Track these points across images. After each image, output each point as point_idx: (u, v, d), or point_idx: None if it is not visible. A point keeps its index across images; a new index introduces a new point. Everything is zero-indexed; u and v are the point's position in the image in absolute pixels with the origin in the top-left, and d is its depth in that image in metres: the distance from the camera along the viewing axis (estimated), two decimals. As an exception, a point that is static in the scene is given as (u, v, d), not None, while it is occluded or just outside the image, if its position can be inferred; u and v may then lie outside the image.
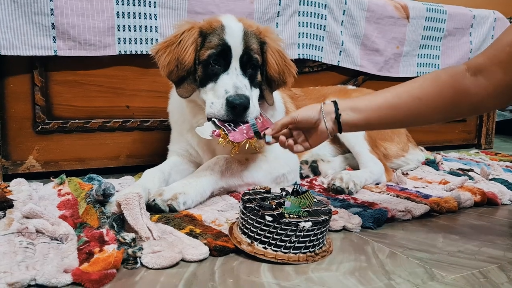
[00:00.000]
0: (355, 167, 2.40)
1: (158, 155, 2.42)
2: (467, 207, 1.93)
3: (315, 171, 2.35)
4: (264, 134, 1.67)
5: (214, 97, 1.79)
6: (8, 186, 1.94)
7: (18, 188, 1.90)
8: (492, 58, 1.37)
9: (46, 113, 2.22)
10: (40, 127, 2.21)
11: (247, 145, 1.68)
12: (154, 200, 1.66)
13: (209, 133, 1.67)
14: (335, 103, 1.56)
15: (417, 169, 2.63)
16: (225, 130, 1.67)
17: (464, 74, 1.42)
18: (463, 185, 2.12)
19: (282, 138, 1.63)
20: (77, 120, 2.29)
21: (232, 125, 1.72)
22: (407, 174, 2.48)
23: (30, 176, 2.20)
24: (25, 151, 2.21)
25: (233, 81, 1.79)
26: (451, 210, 1.84)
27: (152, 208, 1.65)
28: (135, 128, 2.44)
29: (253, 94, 1.88)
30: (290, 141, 1.64)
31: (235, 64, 1.84)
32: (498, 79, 1.36)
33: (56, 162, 2.28)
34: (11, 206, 1.65)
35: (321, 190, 2.08)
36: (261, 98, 1.97)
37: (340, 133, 1.57)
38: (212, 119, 1.74)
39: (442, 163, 2.77)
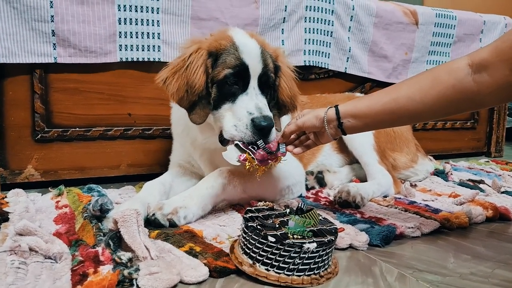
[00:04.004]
0: (362, 178, 2.33)
1: (160, 164, 2.37)
2: (479, 222, 1.86)
3: (321, 182, 2.29)
4: (278, 144, 1.71)
5: (234, 119, 1.69)
6: (5, 197, 1.89)
7: (16, 199, 1.85)
8: (500, 55, 1.30)
9: (46, 121, 2.17)
10: (40, 135, 2.16)
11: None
12: (154, 214, 1.61)
13: (236, 158, 1.62)
14: (336, 110, 1.62)
15: (426, 180, 2.56)
16: (251, 153, 1.62)
17: (466, 71, 1.36)
18: (474, 199, 2.05)
19: (296, 150, 1.76)
20: (77, 128, 2.24)
21: (256, 147, 1.66)
22: (415, 185, 2.40)
23: (29, 186, 2.15)
24: (24, 160, 2.16)
25: (254, 101, 1.71)
26: (462, 226, 1.77)
27: (152, 222, 1.60)
28: (136, 136, 2.39)
29: None
30: (299, 149, 1.77)
31: (253, 84, 1.75)
32: (503, 77, 1.30)
33: (56, 171, 2.23)
34: (7, 219, 1.61)
35: (327, 203, 2.02)
36: None
37: (345, 135, 1.66)
38: (235, 142, 1.66)
39: (451, 174, 2.70)
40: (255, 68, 1.75)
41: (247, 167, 1.61)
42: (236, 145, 1.65)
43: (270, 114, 1.71)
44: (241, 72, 1.73)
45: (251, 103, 1.70)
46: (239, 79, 1.74)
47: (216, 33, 1.89)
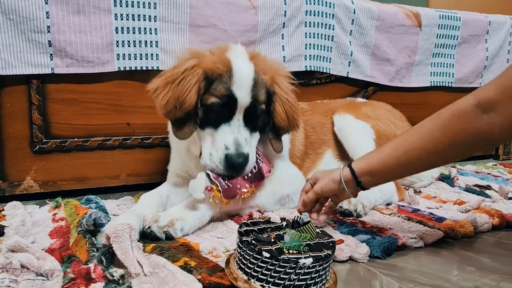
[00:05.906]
0: (364, 185, 2.28)
1: (160, 173, 2.35)
2: (484, 231, 1.81)
3: (323, 190, 2.24)
4: (301, 213, 1.61)
5: (213, 147, 1.72)
6: (3, 210, 1.87)
7: (13, 212, 1.84)
8: (506, 92, 1.26)
9: (44, 132, 2.15)
10: (38, 146, 2.15)
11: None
12: (149, 227, 1.58)
13: (202, 190, 1.65)
14: (351, 170, 1.59)
15: (431, 186, 2.50)
16: (218, 185, 1.66)
17: (475, 113, 1.32)
18: (480, 206, 1.99)
19: (322, 218, 1.72)
20: (76, 139, 2.22)
21: (226, 179, 1.71)
22: (420, 191, 2.35)
23: (29, 197, 2.14)
24: (22, 171, 2.14)
25: (234, 135, 1.71)
26: (467, 236, 1.72)
27: (148, 235, 1.57)
28: (135, 146, 2.36)
29: (253, 141, 1.82)
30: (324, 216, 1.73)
31: (238, 116, 1.75)
32: None
33: (55, 182, 2.21)
34: (2, 234, 1.59)
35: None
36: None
37: (365, 190, 1.63)
38: (207, 171, 1.69)
39: (457, 179, 2.64)
40: (243, 101, 1.74)
41: (211, 199, 1.65)
42: (207, 175, 1.68)
43: (246, 150, 1.71)
44: (228, 104, 1.73)
45: (231, 136, 1.71)
46: (225, 110, 1.74)
47: (216, 50, 1.84)
